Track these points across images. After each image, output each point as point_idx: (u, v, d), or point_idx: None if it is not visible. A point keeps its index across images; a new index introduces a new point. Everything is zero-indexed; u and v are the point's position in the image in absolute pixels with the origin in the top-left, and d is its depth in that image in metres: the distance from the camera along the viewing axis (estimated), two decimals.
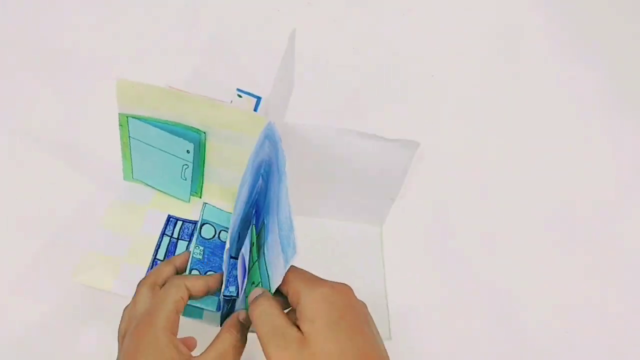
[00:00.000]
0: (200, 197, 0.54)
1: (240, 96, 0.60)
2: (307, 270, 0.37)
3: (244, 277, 0.42)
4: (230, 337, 0.36)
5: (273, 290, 0.36)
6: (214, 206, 0.49)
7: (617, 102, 0.70)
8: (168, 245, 0.50)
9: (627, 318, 0.55)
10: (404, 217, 0.57)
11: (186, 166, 0.50)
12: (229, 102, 0.58)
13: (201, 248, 0.45)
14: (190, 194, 0.54)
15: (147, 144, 0.50)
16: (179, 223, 0.52)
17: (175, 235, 0.51)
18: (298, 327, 0.33)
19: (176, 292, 0.37)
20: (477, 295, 0.54)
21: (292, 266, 0.35)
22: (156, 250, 0.49)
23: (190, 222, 0.52)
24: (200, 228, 0.47)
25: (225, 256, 0.42)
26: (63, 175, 0.55)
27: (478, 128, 0.65)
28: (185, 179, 0.52)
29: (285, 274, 0.35)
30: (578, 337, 0.53)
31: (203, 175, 0.53)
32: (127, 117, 0.48)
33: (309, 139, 0.48)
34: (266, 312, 0.34)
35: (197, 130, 0.48)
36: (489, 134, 0.65)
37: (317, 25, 0.68)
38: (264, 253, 0.40)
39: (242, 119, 0.46)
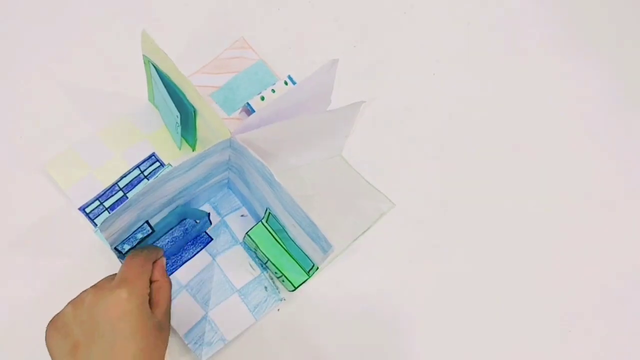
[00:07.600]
0: (194, 150, 0.59)
1: (286, 83, 0.60)
2: None
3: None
4: None
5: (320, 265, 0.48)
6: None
7: (621, 99, 0.68)
8: (134, 178, 0.56)
9: (628, 317, 0.58)
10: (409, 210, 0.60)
11: (177, 124, 0.54)
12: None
13: None
14: (188, 144, 0.58)
15: (158, 88, 0.54)
16: (156, 164, 0.57)
17: (147, 172, 0.57)
18: None
19: None
20: (477, 294, 0.57)
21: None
22: (121, 178, 0.56)
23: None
24: None
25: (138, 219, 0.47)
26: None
27: (478, 126, 0.65)
28: (178, 133, 0.56)
29: None
30: (580, 337, 0.56)
31: (196, 136, 0.56)
32: (148, 59, 0.53)
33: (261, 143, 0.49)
34: None
35: (190, 104, 0.51)
36: (490, 131, 0.65)
37: (318, 24, 0.68)
38: (288, 238, 0.50)
39: (213, 121, 0.48)
